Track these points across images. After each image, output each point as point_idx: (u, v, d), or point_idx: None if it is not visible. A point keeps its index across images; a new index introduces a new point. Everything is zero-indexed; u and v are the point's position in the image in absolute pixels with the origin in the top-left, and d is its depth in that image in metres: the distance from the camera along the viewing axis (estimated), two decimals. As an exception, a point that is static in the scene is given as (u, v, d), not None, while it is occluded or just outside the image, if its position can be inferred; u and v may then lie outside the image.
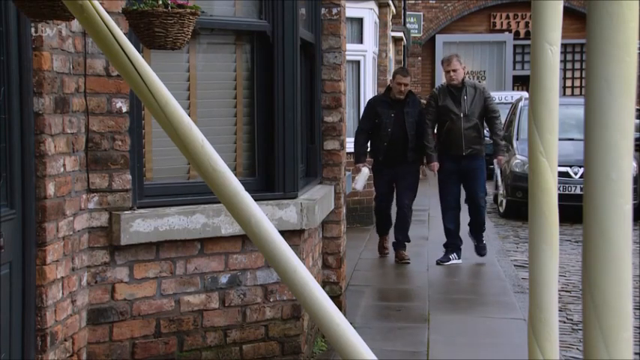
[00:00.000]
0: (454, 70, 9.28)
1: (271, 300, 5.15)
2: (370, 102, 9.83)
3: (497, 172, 14.23)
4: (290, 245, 1.82)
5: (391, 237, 9.70)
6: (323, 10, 6.50)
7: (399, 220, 9.59)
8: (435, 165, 9.29)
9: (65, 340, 4.18)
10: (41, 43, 3.89)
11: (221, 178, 1.85)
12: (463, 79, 9.34)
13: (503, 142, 9.43)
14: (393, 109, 9.34)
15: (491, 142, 9.61)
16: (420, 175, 10.19)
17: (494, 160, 10.03)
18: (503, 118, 11.72)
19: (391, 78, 9.60)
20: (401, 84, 9.36)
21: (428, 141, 9.25)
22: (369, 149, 9.68)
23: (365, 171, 9.52)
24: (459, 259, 9.44)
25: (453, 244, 9.49)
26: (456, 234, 9.48)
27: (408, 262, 9.35)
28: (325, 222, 6.52)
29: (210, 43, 5.28)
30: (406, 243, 9.56)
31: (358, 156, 9.55)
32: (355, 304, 7.42)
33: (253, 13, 5.33)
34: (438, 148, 9.30)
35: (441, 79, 24.14)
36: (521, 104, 15.10)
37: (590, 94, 1.24)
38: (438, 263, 9.29)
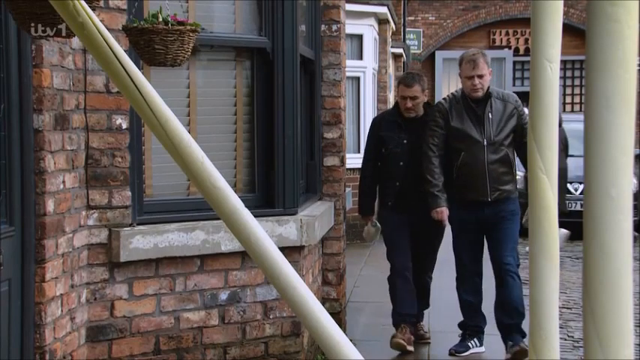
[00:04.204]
0: (480, 76, 6.17)
1: (271, 317, 5.13)
2: (374, 123, 6.87)
3: None
4: (290, 262, 1.82)
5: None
6: (323, 27, 6.51)
7: (418, 288, 6.67)
8: (444, 212, 6.23)
9: (64, 358, 4.17)
10: (41, 60, 3.89)
11: (221, 195, 1.85)
12: (488, 88, 6.28)
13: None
14: (406, 132, 6.44)
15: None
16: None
17: None
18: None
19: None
20: (406, 98, 6.43)
21: (432, 175, 6.22)
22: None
23: (371, 230, 6.85)
24: (480, 345, 6.51)
25: (473, 327, 6.51)
26: (478, 310, 6.51)
27: (428, 342, 6.78)
28: (325, 238, 6.51)
29: (210, 60, 5.29)
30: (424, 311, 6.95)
31: (364, 200, 6.80)
32: (355, 321, 7.39)
33: (253, 30, 5.34)
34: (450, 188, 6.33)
35: (441, 95, 24.15)
36: (520, 120, 15.09)
37: (590, 110, 1.24)
38: (451, 354, 6.42)
